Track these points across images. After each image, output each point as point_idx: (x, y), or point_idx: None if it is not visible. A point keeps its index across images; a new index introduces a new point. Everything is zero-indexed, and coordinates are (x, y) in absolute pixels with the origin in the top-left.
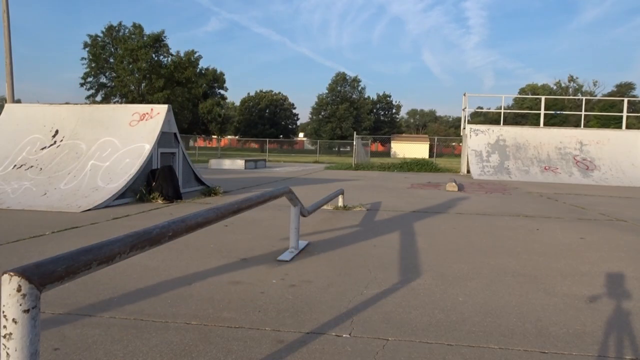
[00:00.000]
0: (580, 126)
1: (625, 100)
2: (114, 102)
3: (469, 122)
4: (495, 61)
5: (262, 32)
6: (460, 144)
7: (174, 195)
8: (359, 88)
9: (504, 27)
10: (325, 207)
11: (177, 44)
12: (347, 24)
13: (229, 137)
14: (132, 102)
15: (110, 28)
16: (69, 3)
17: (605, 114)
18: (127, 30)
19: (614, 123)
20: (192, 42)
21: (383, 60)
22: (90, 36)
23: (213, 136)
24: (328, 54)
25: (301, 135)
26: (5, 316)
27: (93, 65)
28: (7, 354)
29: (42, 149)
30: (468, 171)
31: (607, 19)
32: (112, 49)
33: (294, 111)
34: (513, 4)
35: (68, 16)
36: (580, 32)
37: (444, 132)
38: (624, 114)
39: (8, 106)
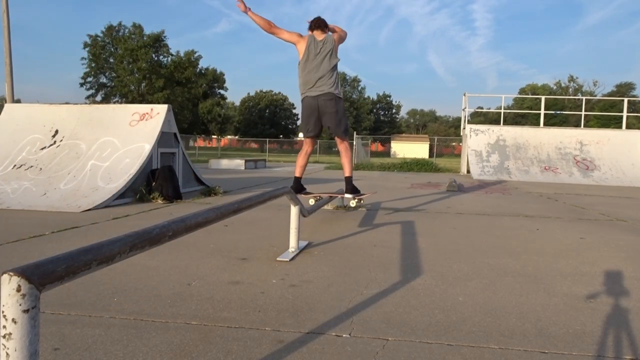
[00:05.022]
0: (580, 126)
1: (625, 100)
2: (114, 102)
3: (469, 122)
4: (499, 62)
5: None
6: (460, 144)
7: (174, 195)
8: (359, 88)
9: (508, 29)
10: (325, 207)
11: (177, 45)
12: (353, 26)
13: (228, 137)
14: (132, 102)
15: (110, 28)
16: (69, 3)
17: (605, 114)
18: (127, 30)
19: (614, 123)
20: (192, 42)
21: (386, 61)
22: (90, 36)
23: (213, 136)
24: None
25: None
26: (5, 316)
27: (93, 65)
28: (7, 354)
29: (42, 149)
30: (468, 171)
31: (609, 21)
32: (112, 49)
33: (293, 111)
34: (518, 7)
35: (68, 16)
36: (583, 33)
37: (444, 132)
38: (624, 114)
39: (8, 106)
